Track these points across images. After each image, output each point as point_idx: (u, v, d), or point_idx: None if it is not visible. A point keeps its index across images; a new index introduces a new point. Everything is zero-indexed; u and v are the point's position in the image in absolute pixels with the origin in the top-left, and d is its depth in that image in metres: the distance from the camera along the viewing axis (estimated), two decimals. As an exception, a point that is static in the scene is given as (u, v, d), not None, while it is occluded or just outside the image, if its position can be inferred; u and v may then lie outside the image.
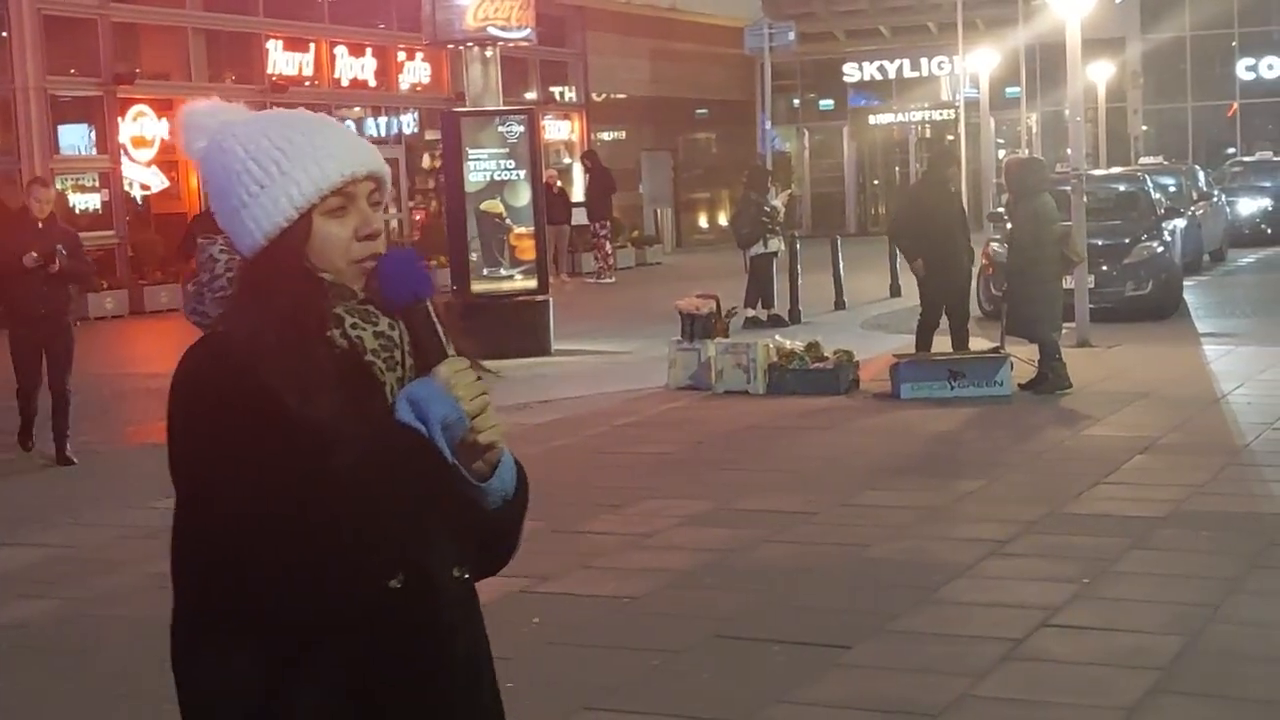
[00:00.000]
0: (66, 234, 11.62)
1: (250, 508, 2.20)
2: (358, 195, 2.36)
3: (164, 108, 25.58)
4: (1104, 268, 17.70)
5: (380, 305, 2.37)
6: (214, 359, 2.28)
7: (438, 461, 2.27)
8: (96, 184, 25.54)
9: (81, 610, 7.50)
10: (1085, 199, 16.18)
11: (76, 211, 24.53)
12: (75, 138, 25.97)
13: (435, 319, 2.34)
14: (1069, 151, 17.63)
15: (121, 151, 25.51)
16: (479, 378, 2.33)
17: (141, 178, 26.12)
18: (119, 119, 25.39)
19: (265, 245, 2.33)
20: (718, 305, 14.52)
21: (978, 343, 14.15)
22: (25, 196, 11.77)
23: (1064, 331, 13.51)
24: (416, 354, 2.37)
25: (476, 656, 2.49)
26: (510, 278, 17.52)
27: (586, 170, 29.60)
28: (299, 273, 2.32)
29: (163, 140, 25.48)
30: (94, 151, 25.79)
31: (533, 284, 17.55)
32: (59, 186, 22.68)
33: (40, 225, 11.15)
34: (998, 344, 13.52)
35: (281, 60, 28.37)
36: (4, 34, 24.31)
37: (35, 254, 10.90)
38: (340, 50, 29.74)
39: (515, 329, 17.06)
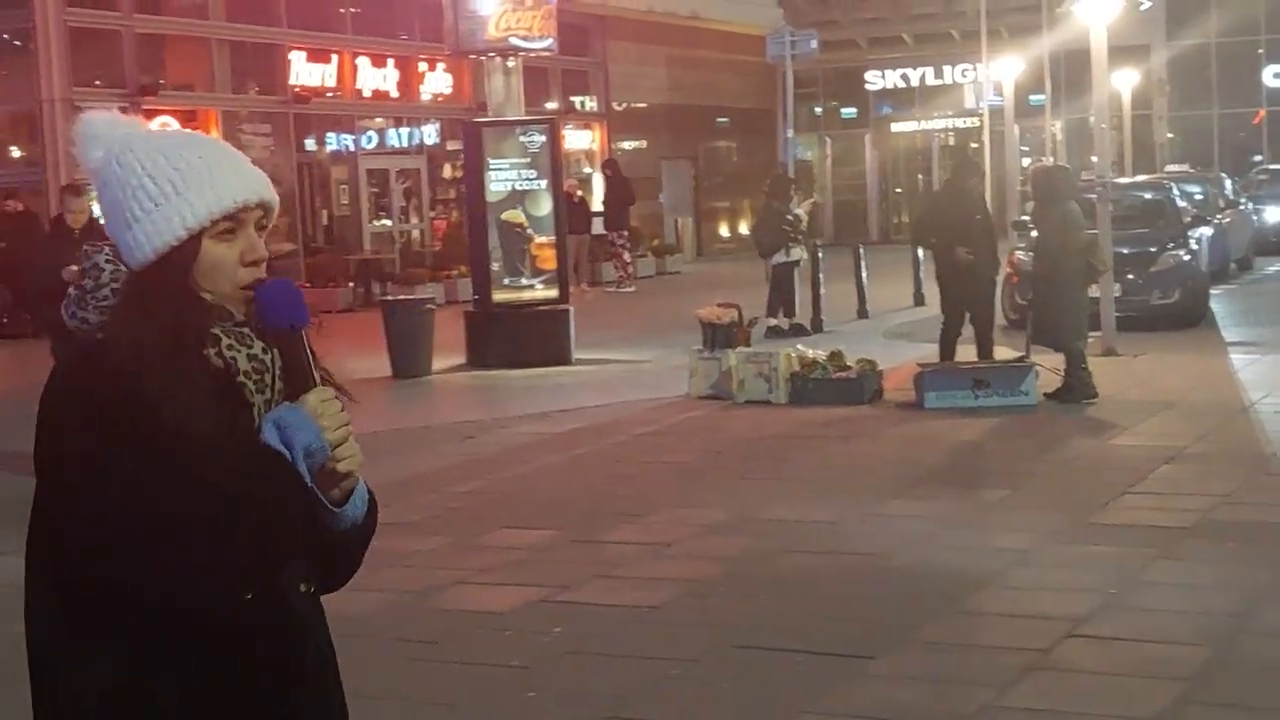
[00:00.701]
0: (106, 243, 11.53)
1: (116, 513, 2.26)
2: (247, 221, 2.44)
3: (188, 119, 25.63)
4: (1130, 276, 17.60)
5: (256, 329, 2.45)
6: (91, 366, 2.36)
7: (297, 485, 2.35)
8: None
9: None
10: (1111, 207, 16.09)
11: (101, 222, 24.55)
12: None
13: (308, 348, 2.43)
14: (1094, 159, 17.57)
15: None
16: (343, 408, 2.42)
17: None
18: (143, 130, 25.42)
19: (154, 261, 2.40)
20: (739, 314, 14.46)
21: (1003, 351, 14.06)
22: (60, 207, 11.48)
23: (1089, 340, 13.43)
24: (287, 379, 2.45)
25: (324, 669, 2.57)
26: (531, 287, 17.50)
27: (607, 179, 29.57)
28: (183, 290, 2.39)
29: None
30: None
31: (553, 293, 17.54)
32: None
33: (77, 235, 10.60)
34: (1023, 353, 13.44)
35: (304, 71, 28.41)
36: (26, 45, 24.40)
37: (75, 268, 10.75)
38: (362, 61, 29.78)
39: (536, 338, 17.08)
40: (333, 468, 2.40)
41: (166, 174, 2.42)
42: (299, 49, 28.34)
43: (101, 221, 2.55)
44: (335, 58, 29.18)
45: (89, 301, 2.47)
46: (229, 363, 2.41)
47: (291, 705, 2.47)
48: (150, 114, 25.26)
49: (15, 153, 26.51)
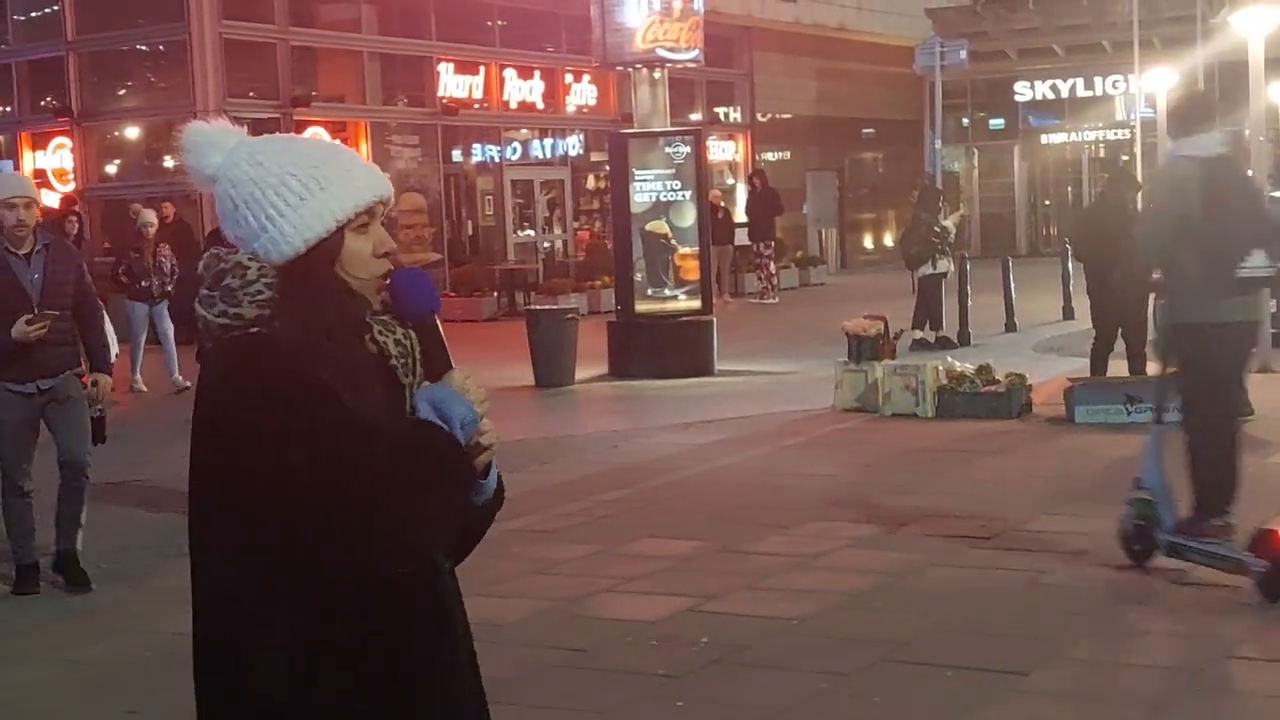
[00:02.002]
0: None
1: (307, 491, 2.40)
2: (377, 215, 2.62)
3: (338, 130, 26.07)
4: (1286, 291, 17.16)
5: (396, 316, 2.63)
6: (266, 353, 2.48)
7: (461, 455, 2.52)
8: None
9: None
10: (1267, 220, 15.72)
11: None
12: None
13: (441, 332, 2.61)
14: (1250, 173, 17.15)
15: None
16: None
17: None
18: (295, 140, 25.90)
19: (303, 253, 2.54)
20: (886, 327, 14.37)
21: (1155, 367, 13.77)
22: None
23: (1245, 355, 13.12)
24: (425, 362, 2.62)
25: (469, 641, 2.70)
26: (674, 298, 17.54)
27: (754, 189, 29.51)
28: (336, 279, 2.56)
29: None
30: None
31: (696, 304, 17.55)
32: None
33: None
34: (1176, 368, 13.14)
35: (452, 83, 28.76)
36: (181, 56, 24.98)
37: None
38: (509, 73, 30.07)
39: (679, 348, 17.10)
40: (476, 441, 2.56)
41: (309, 171, 2.57)
42: (447, 61, 28.70)
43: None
44: (483, 70, 29.50)
45: (241, 297, 2.56)
46: (381, 348, 2.60)
47: (447, 683, 2.60)
48: (301, 125, 25.80)
49: (169, 162, 27.15)
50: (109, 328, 8.83)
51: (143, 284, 16.66)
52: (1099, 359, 13.59)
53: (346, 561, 2.44)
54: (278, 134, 2.78)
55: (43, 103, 27.03)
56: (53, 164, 26.31)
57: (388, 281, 2.61)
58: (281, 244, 2.54)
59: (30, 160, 27.07)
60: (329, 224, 2.54)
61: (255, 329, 2.52)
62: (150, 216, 17.08)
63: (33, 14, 27.55)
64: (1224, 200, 7.54)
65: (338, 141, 2.76)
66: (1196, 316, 7.67)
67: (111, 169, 26.96)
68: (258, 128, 26.12)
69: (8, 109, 27.94)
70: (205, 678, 2.59)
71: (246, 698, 2.51)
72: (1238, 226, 7.60)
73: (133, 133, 27.34)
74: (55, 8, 26.60)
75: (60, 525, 8.31)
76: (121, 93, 27.65)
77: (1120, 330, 13.53)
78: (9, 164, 27.58)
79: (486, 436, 2.57)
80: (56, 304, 8.03)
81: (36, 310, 7.91)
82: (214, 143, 2.65)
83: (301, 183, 2.55)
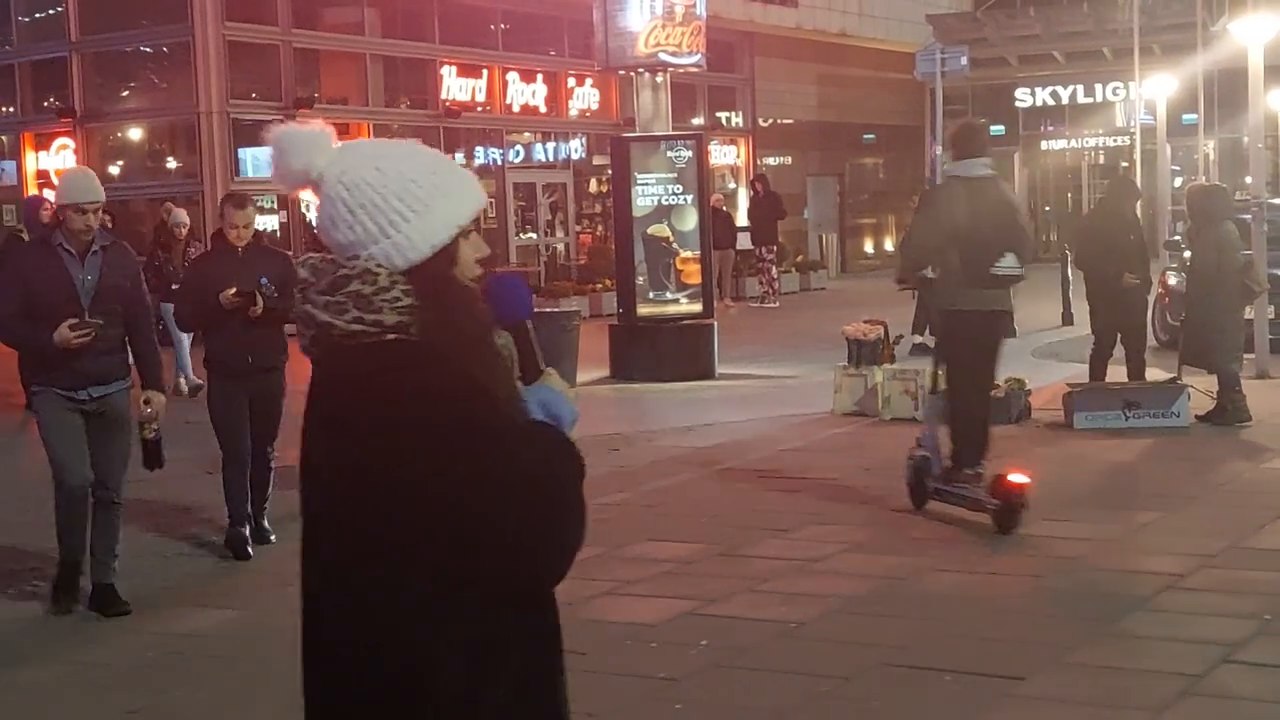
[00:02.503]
0: (274, 261, 8.97)
1: (479, 492, 2.48)
2: (475, 223, 2.71)
3: (341, 132, 25.77)
4: (1286, 298, 17.20)
5: (495, 319, 2.71)
6: (424, 358, 2.55)
7: (578, 456, 2.61)
8: (275, 206, 26.14)
9: (260, 621, 7.65)
10: (1266, 228, 15.78)
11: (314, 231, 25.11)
12: (256, 161, 26.62)
13: (533, 334, 2.72)
14: (1249, 180, 17.22)
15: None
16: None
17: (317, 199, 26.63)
18: (298, 142, 25.92)
19: (429, 258, 2.60)
20: (885, 331, 14.40)
21: (1154, 373, 13.84)
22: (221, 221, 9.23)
23: (1243, 362, 13.18)
24: (523, 363, 2.71)
25: None
26: (676, 301, 17.59)
27: (757, 194, 29.54)
28: (464, 283, 2.65)
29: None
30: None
31: (698, 308, 17.60)
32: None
33: (240, 254, 8.82)
34: (1174, 374, 13.21)
35: (455, 86, 28.82)
36: (185, 58, 25.02)
37: (234, 291, 8.62)
38: (512, 76, 30.13)
39: (680, 352, 17.15)
40: None
41: (429, 180, 2.64)
42: (450, 64, 28.76)
43: (317, 229, 2.71)
44: (485, 73, 29.56)
45: (380, 304, 2.61)
46: (500, 349, 2.69)
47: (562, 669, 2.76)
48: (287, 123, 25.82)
49: (172, 163, 27.20)
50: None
51: (174, 286, 16.06)
52: (1097, 364, 13.64)
53: (511, 563, 2.52)
54: (390, 139, 2.82)
55: (46, 103, 27.11)
56: (55, 165, 26.34)
57: (483, 285, 2.71)
58: (407, 249, 2.59)
59: (33, 161, 27.14)
60: (451, 230, 2.63)
61: (393, 335, 2.56)
62: (183, 216, 16.85)
63: (36, 15, 27.62)
64: (982, 212, 9.23)
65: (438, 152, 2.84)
66: (957, 304, 9.37)
67: (114, 170, 27.00)
68: (260, 129, 26.26)
69: (11, 109, 28.02)
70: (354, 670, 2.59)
71: (419, 697, 2.54)
72: (992, 234, 9.23)
73: (135, 134, 27.42)
74: (59, 9, 26.67)
75: (95, 555, 7.79)
76: (124, 94, 27.73)
77: (1120, 336, 13.59)
78: (11, 164, 27.66)
79: (573, 434, 2.69)
80: (107, 309, 7.53)
81: (86, 314, 7.45)
82: (315, 144, 2.71)
83: (424, 190, 2.62)
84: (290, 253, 25.15)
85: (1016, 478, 8.83)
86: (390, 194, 2.60)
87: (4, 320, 7.56)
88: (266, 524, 9.21)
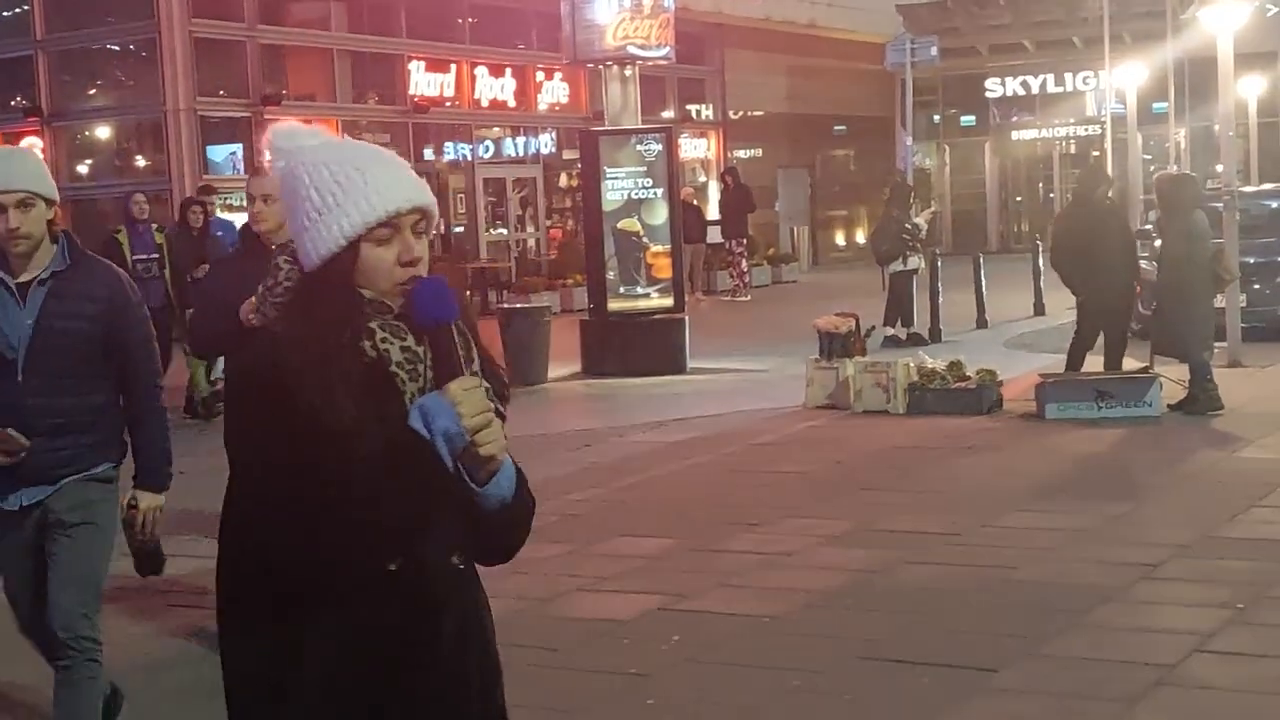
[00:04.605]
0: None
1: (274, 484, 2.59)
2: (403, 226, 2.68)
3: (308, 128, 25.98)
4: (1256, 286, 17.23)
5: (410, 323, 2.70)
6: (263, 355, 2.66)
7: (436, 465, 2.58)
8: (243, 204, 25.95)
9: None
10: (1237, 216, 15.80)
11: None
12: (223, 158, 26.49)
13: (455, 341, 2.64)
14: (1219, 168, 17.25)
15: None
16: (487, 397, 2.64)
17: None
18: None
19: (319, 265, 2.67)
20: (857, 324, 14.38)
21: (1126, 362, 13.83)
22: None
23: (1215, 351, 13.18)
24: (435, 369, 2.68)
25: (466, 633, 2.81)
26: (646, 296, 17.54)
27: (727, 187, 29.51)
28: (344, 291, 2.65)
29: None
30: (241, 172, 26.26)
31: (669, 302, 17.56)
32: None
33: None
34: (1146, 364, 13.21)
35: (423, 81, 28.71)
36: (151, 55, 24.89)
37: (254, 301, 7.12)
38: (480, 71, 30.02)
39: (651, 347, 17.11)
40: (475, 451, 2.61)
41: (329, 187, 2.67)
42: (418, 59, 28.65)
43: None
44: (454, 67, 29.46)
45: (268, 299, 2.70)
46: (382, 354, 2.67)
47: (415, 678, 2.72)
48: (272, 124, 25.75)
49: (140, 161, 27.04)
50: None
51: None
52: (1076, 355, 13.54)
53: (314, 557, 2.60)
54: (341, 140, 2.88)
55: (12, 102, 26.90)
56: (22, 164, 26.13)
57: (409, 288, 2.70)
58: (306, 255, 2.70)
59: None
60: (339, 240, 2.64)
61: (275, 329, 2.74)
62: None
63: (2, 13, 27.41)
64: None
65: (381, 150, 2.83)
66: None
67: (82, 168, 26.83)
68: (228, 126, 26.15)
69: (-24, 108, 27.80)
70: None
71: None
72: None
73: (103, 132, 27.26)
74: (24, 7, 26.48)
75: None
76: (91, 92, 27.57)
77: (1103, 328, 13.41)
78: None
79: (486, 448, 2.61)
80: (54, 371, 4.80)
81: (21, 377, 4.78)
82: (279, 148, 2.78)
83: (321, 197, 2.67)
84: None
85: None
86: (299, 199, 2.70)
87: None
88: None
